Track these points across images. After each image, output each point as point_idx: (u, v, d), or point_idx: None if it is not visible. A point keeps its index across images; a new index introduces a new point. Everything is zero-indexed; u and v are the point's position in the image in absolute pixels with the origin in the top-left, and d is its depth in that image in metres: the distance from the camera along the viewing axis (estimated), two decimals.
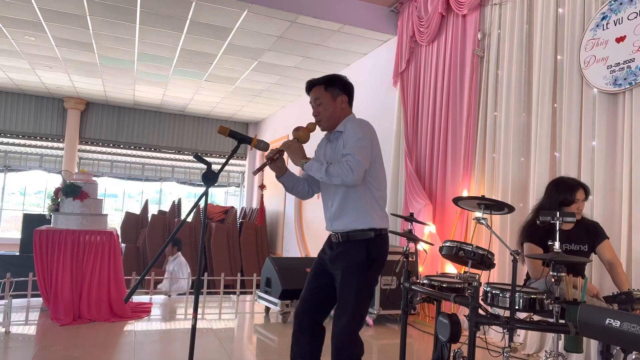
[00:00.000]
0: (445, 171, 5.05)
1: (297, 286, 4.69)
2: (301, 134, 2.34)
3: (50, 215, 4.84)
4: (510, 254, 2.25)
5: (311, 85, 2.40)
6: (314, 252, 8.42)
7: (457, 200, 2.87)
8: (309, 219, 8.76)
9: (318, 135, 2.42)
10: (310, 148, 2.33)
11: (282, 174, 2.38)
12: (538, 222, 2.70)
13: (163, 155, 12.09)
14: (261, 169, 2.33)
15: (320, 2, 5.83)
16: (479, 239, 4.37)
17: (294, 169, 2.71)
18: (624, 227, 3.33)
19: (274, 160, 2.31)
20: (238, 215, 10.74)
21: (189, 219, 9.78)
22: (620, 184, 3.42)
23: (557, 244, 2.32)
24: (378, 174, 2.33)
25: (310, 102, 2.41)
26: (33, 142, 10.98)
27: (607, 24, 3.54)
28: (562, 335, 2.31)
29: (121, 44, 7.07)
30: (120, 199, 12.89)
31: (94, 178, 4.99)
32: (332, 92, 2.36)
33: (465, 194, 4.65)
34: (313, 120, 2.42)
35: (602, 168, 3.50)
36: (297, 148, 2.30)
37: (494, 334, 4.07)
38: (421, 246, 3.31)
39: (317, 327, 2.34)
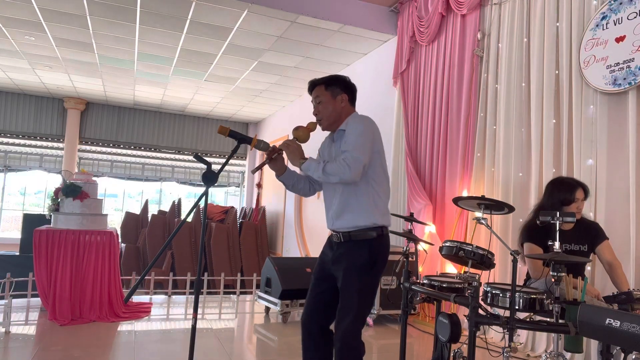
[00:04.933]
0: (445, 171, 5.05)
1: (297, 286, 4.69)
2: (301, 134, 2.33)
3: (50, 215, 4.84)
4: (510, 254, 2.25)
5: (313, 85, 2.40)
6: (314, 252, 8.42)
7: (457, 200, 2.87)
8: (309, 219, 8.76)
9: (319, 134, 2.41)
10: (309, 147, 2.32)
11: (281, 173, 2.38)
12: (538, 222, 2.70)
13: (163, 155, 12.09)
14: (260, 167, 2.33)
15: (320, 2, 5.83)
16: (479, 239, 4.37)
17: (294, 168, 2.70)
18: (625, 227, 3.32)
19: (273, 159, 2.30)
20: (238, 215, 10.74)
21: (189, 219, 9.78)
22: (621, 184, 3.41)
23: (557, 244, 2.32)
24: (379, 169, 2.30)
25: (312, 101, 2.41)
26: (33, 142, 10.98)
27: (606, 24, 3.54)
28: (562, 335, 2.31)
29: (121, 44, 7.07)
30: (120, 199, 12.89)
31: (94, 178, 4.99)
32: (333, 91, 2.35)
33: (465, 194, 4.65)
34: (313, 119, 2.42)
35: (604, 168, 3.50)
36: (296, 148, 2.28)
37: (494, 334, 4.07)
38: (421, 246, 3.30)
39: (325, 333, 2.31)
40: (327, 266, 2.34)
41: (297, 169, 2.35)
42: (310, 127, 2.36)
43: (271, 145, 2.36)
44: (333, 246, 2.33)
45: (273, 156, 2.29)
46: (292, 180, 2.43)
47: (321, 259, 2.40)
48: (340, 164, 2.15)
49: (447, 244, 2.84)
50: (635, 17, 3.36)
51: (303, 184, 2.47)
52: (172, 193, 13.02)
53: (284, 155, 2.32)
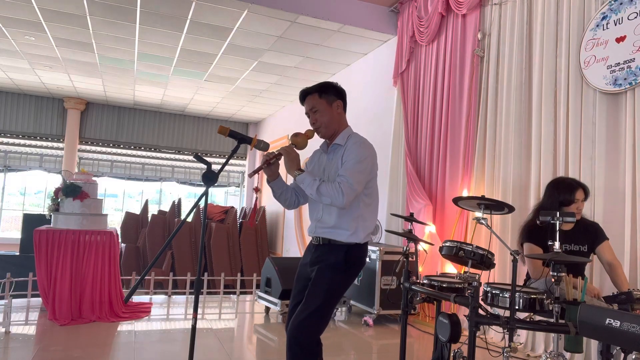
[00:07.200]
0: (445, 171, 5.05)
1: None
2: (299, 140, 2.32)
3: (50, 215, 4.84)
4: (510, 254, 2.25)
5: (305, 95, 2.38)
6: None
7: (457, 200, 2.87)
8: (309, 219, 8.75)
9: (317, 141, 2.41)
10: (304, 153, 2.31)
11: (274, 178, 2.38)
12: (538, 222, 2.70)
13: (163, 155, 12.09)
14: (257, 171, 2.32)
15: (320, 2, 5.83)
16: (479, 239, 4.37)
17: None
18: (625, 227, 3.32)
19: (271, 164, 2.30)
20: (238, 215, 10.73)
21: (189, 219, 9.78)
22: (620, 184, 3.42)
23: (557, 244, 2.32)
24: (372, 191, 2.33)
25: (306, 113, 2.39)
26: (33, 142, 10.98)
27: (607, 24, 3.54)
28: (562, 335, 2.31)
29: (121, 44, 7.07)
30: (120, 199, 12.89)
31: (94, 178, 4.99)
32: (327, 98, 2.34)
33: (465, 194, 4.65)
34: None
35: (603, 168, 3.50)
36: (295, 156, 2.28)
37: (494, 334, 4.07)
38: (421, 246, 3.30)
39: None
40: (306, 270, 2.35)
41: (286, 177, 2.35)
42: (309, 135, 2.36)
43: (271, 145, 2.36)
44: (311, 249, 2.36)
45: (272, 161, 2.29)
46: (281, 188, 2.44)
47: (301, 264, 2.41)
48: (335, 189, 2.16)
49: (447, 244, 2.84)
50: (635, 17, 3.36)
51: (290, 195, 2.48)
52: (172, 193, 13.04)
53: (280, 161, 2.32)
